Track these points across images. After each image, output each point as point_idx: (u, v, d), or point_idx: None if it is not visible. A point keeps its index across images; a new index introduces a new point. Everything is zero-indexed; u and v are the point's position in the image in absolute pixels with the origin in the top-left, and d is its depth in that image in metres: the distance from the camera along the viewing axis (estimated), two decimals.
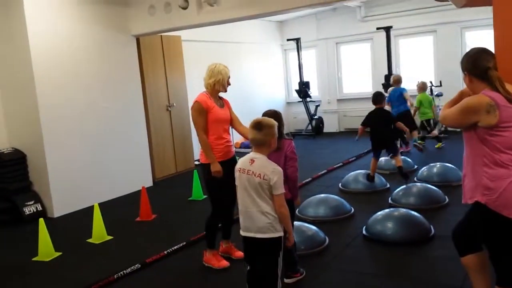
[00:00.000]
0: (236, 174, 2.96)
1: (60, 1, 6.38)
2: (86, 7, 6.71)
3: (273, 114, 3.43)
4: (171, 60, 8.40)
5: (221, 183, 3.99)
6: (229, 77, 4.20)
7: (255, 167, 2.83)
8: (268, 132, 2.85)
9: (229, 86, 4.22)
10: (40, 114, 6.11)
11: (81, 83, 6.65)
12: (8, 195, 6.09)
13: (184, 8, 6.57)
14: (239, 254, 4.20)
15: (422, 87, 8.77)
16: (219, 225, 4.24)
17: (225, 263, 4.13)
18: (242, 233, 2.95)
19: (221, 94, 4.24)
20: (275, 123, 2.94)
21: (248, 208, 2.88)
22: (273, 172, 2.80)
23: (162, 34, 7.98)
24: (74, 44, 6.56)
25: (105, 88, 7.00)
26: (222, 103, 4.24)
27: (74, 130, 6.51)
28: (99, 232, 5.18)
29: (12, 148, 6.35)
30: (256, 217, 2.85)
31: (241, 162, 2.94)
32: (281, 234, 2.89)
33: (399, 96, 8.21)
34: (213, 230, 4.18)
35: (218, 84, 4.11)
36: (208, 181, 4.12)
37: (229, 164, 3.98)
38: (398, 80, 8.44)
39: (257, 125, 2.87)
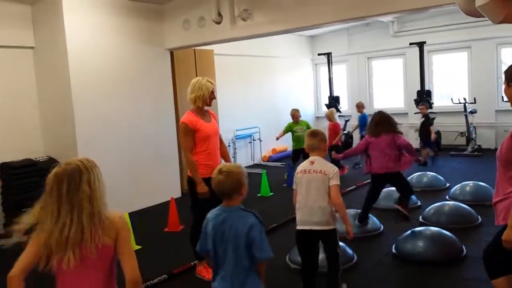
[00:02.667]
0: (298, 175, 3.39)
1: (98, 14, 6.59)
2: (123, 21, 6.91)
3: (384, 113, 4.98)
4: (203, 73, 8.48)
5: (209, 196, 4.02)
6: (211, 92, 4.13)
7: (316, 166, 3.33)
8: (322, 137, 3.46)
9: (213, 100, 4.20)
10: (75, 124, 6.29)
11: (116, 95, 6.82)
12: None
13: (218, 23, 6.67)
14: None
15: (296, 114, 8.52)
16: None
17: None
18: (299, 227, 3.35)
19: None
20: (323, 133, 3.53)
21: (307, 203, 3.30)
22: (331, 167, 3.33)
23: (195, 47, 8.12)
24: (110, 56, 6.75)
25: (138, 100, 7.16)
26: (209, 117, 4.25)
27: (107, 140, 6.65)
28: None
29: (47, 156, 6.54)
30: (315, 212, 3.27)
31: (302, 166, 3.42)
32: (334, 227, 3.32)
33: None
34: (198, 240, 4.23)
35: (198, 99, 4.11)
36: (194, 194, 4.15)
37: None
38: (361, 106, 9.80)
39: (313, 133, 3.49)
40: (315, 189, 3.27)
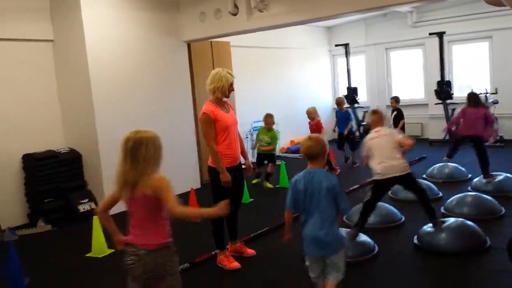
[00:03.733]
0: (370, 142, 4.41)
1: (116, 8, 6.63)
2: (140, 14, 6.94)
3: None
4: (220, 65, 8.41)
5: (231, 184, 4.13)
6: (230, 84, 4.17)
7: (382, 132, 4.41)
8: (381, 115, 4.57)
9: (232, 91, 4.23)
10: (95, 116, 6.36)
11: (135, 87, 6.87)
12: (64, 193, 6.35)
13: (234, 14, 6.65)
14: (251, 251, 4.51)
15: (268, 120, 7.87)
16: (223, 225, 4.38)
17: (236, 265, 4.26)
18: (382, 177, 4.32)
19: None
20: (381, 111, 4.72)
21: (386, 158, 4.29)
22: (393, 130, 4.61)
23: (212, 39, 8.12)
24: (128, 49, 6.79)
25: (157, 92, 7.20)
26: (228, 107, 4.27)
27: (126, 131, 6.68)
28: None
29: (69, 148, 6.62)
30: (395, 163, 4.28)
31: (370, 135, 4.45)
32: (410, 171, 4.38)
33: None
34: (219, 230, 4.32)
35: (218, 90, 4.13)
36: (214, 183, 4.20)
37: (237, 169, 4.23)
38: (342, 103, 9.01)
39: (375, 112, 4.67)
40: (389, 148, 4.29)
